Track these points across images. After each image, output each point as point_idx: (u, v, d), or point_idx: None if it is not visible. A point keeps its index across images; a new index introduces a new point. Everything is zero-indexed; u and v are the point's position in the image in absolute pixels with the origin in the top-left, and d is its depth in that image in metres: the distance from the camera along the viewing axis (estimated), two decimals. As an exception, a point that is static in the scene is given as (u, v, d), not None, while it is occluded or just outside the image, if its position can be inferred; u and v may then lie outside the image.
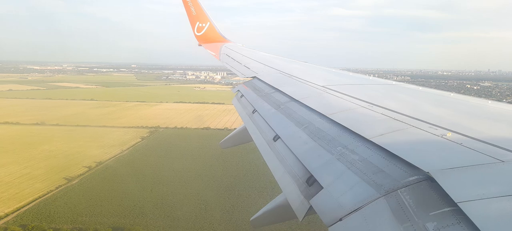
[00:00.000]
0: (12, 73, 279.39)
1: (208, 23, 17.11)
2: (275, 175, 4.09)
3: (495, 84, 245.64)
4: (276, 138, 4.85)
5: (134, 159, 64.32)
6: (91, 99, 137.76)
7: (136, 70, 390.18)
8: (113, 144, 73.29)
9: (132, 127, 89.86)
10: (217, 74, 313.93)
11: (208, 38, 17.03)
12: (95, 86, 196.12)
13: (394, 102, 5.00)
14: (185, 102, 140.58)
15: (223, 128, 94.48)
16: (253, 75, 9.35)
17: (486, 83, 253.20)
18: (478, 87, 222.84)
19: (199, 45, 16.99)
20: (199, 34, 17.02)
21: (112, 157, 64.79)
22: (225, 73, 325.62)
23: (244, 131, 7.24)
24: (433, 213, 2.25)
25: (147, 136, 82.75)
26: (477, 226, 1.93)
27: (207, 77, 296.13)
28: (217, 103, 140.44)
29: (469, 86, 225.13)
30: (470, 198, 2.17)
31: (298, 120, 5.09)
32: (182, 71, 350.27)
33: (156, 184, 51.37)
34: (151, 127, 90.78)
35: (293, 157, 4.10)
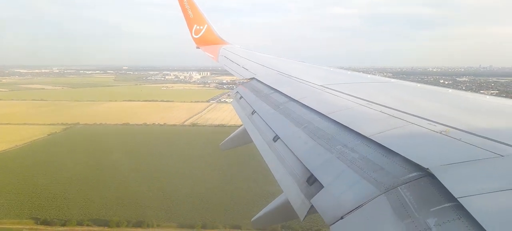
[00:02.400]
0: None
1: (206, 25, 17.04)
2: (276, 175, 4.11)
3: (472, 79, 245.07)
4: (276, 138, 4.87)
5: (17, 153, 66.84)
6: (41, 100, 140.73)
7: (122, 72, 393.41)
8: (14, 140, 75.55)
9: (52, 124, 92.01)
10: (199, 75, 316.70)
11: (206, 40, 16.98)
12: (61, 88, 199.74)
13: (393, 100, 5.03)
14: (134, 101, 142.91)
15: (142, 123, 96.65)
16: (252, 77, 9.36)
17: (464, 78, 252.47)
18: (451, 82, 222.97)
19: (197, 47, 16.91)
20: (197, 36, 16.97)
21: (-3, 152, 67.28)
22: (208, 73, 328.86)
23: (244, 132, 7.14)
24: (434, 209, 2.27)
25: (57, 132, 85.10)
26: (478, 220, 1.94)
27: (187, 77, 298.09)
28: (165, 101, 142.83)
29: (442, 81, 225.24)
30: (470, 193, 2.18)
31: (297, 119, 5.11)
32: (168, 72, 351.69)
33: (12, 174, 53.48)
34: (70, 124, 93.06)
35: (293, 157, 4.11)
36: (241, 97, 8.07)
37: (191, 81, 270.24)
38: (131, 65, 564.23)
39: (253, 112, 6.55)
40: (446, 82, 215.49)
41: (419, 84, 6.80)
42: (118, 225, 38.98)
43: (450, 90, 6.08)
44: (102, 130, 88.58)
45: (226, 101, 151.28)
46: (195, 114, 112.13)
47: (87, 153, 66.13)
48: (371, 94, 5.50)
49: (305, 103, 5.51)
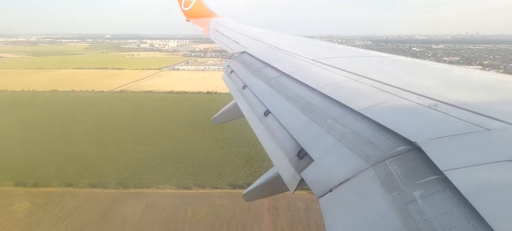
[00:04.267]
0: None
1: None
2: (267, 149, 4.16)
3: (447, 47, 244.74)
4: (267, 112, 4.88)
5: None
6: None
7: (101, 40, 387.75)
8: None
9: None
10: (177, 42, 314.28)
11: (196, 13, 16.66)
12: (22, 56, 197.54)
13: (382, 75, 5.03)
14: (84, 68, 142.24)
15: (70, 90, 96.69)
16: (243, 50, 9.27)
17: (440, 46, 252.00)
18: (423, 49, 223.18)
19: (187, 20, 16.58)
20: (187, 9, 16.61)
21: None
22: (187, 41, 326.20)
23: (235, 106, 7.10)
24: (420, 181, 2.33)
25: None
26: (462, 192, 1.99)
27: (162, 45, 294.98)
28: (116, 69, 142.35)
29: (414, 48, 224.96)
30: (455, 166, 2.23)
31: (289, 94, 5.12)
32: (147, 40, 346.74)
33: None
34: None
35: (284, 131, 4.14)
36: (232, 71, 8.02)
37: (164, 49, 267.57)
38: (117, 33, 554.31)
39: (244, 86, 6.54)
40: (417, 49, 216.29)
41: (409, 59, 6.86)
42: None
43: (439, 64, 6.11)
44: (25, 97, 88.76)
45: (179, 69, 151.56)
46: (133, 82, 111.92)
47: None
48: (361, 69, 5.50)
49: (296, 78, 5.52)
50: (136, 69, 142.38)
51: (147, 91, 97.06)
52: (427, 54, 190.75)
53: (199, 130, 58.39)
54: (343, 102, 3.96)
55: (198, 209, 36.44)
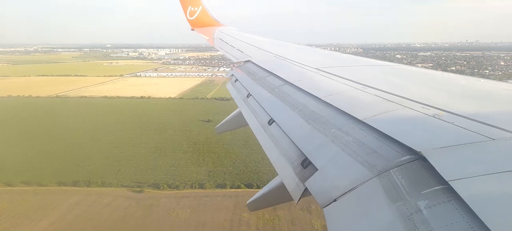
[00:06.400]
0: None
1: (200, 7, 17.03)
2: (271, 158, 4.17)
3: (436, 54, 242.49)
4: (271, 121, 4.91)
5: None
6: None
7: (97, 49, 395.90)
8: None
9: None
10: (168, 51, 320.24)
11: (201, 22, 16.97)
12: (1, 65, 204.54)
13: (387, 84, 5.04)
14: (47, 76, 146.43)
15: (7, 95, 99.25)
16: (247, 59, 9.37)
17: (428, 53, 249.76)
18: (405, 56, 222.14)
19: (192, 29, 16.92)
20: (192, 18, 16.93)
21: None
22: (179, 50, 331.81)
23: (239, 115, 7.17)
24: (425, 191, 2.31)
25: None
26: (467, 203, 1.97)
27: (151, 53, 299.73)
28: (79, 76, 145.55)
29: (397, 56, 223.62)
30: (460, 176, 2.22)
31: (293, 103, 5.15)
32: (142, 49, 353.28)
33: None
34: None
35: (288, 140, 4.16)
36: (236, 80, 8.05)
37: (148, 57, 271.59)
38: (119, 43, 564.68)
39: (248, 95, 6.57)
40: (399, 57, 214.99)
41: (413, 68, 6.89)
42: None
43: (444, 74, 6.09)
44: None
45: (140, 75, 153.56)
46: (80, 88, 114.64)
47: None
48: (365, 78, 5.53)
49: (300, 87, 5.57)
50: (98, 76, 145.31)
51: (81, 97, 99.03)
52: (404, 61, 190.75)
53: (71, 130, 59.48)
54: (347, 112, 3.97)
55: (1, 205, 37.03)
